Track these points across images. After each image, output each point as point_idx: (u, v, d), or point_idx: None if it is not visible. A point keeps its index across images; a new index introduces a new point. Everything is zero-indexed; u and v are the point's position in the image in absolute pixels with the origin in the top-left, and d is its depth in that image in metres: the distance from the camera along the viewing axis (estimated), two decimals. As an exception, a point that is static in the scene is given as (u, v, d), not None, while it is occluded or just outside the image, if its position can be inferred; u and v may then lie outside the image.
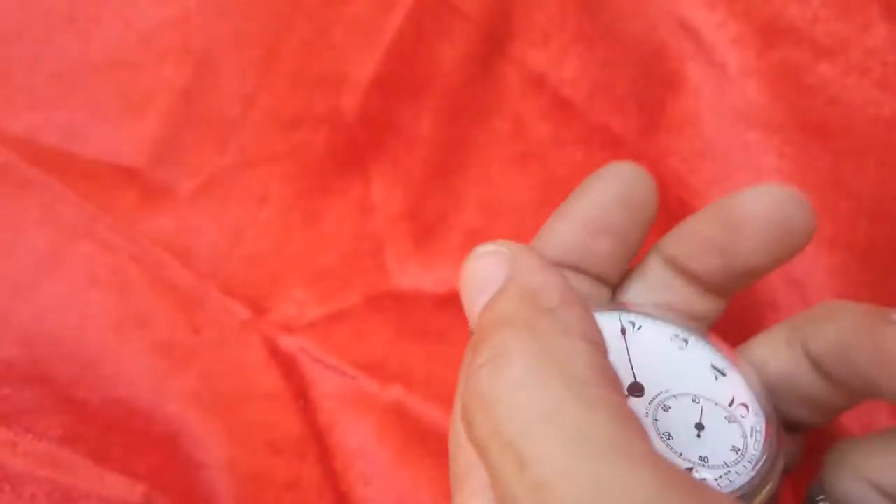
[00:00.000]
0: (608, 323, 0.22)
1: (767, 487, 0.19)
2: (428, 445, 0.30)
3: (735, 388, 0.21)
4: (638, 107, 0.31)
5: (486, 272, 0.18)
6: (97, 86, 0.33)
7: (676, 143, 0.30)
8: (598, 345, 0.17)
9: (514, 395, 0.15)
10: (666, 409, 0.20)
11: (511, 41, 0.33)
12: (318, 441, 0.31)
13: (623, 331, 0.21)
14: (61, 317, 0.31)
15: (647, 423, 0.20)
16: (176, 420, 0.30)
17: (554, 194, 0.32)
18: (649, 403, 0.20)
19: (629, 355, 0.21)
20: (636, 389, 0.20)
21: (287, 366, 0.32)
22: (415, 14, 0.33)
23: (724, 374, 0.21)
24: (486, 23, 0.33)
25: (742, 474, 0.19)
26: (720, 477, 0.19)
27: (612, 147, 0.32)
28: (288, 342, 0.32)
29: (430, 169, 0.33)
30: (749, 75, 0.29)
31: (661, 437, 0.20)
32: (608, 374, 0.16)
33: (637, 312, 0.22)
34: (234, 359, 0.32)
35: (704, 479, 0.19)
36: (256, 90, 0.33)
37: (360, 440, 0.30)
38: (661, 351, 0.21)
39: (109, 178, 0.33)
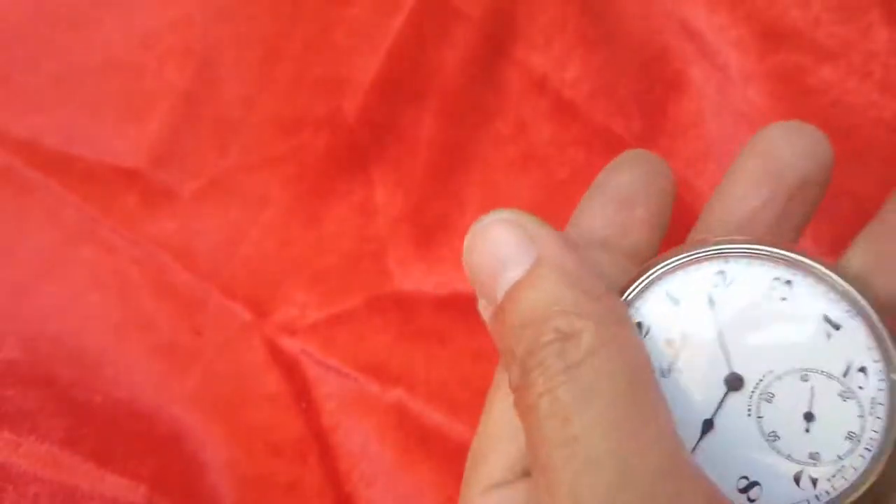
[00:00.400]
0: (693, 289, 0.19)
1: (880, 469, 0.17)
2: (429, 447, 0.30)
3: (853, 347, 0.18)
4: (640, 109, 0.32)
5: (509, 244, 0.18)
6: (98, 88, 0.33)
7: (679, 145, 0.30)
8: (638, 336, 0.18)
9: (578, 368, 0.17)
10: (769, 399, 0.18)
11: (513, 43, 0.33)
12: (320, 442, 0.31)
13: (711, 302, 0.19)
14: (63, 319, 0.31)
15: (751, 424, 0.18)
16: (178, 421, 0.30)
17: (555, 196, 0.32)
18: (750, 397, 0.18)
19: (722, 337, 0.18)
20: (735, 382, 0.18)
21: (288, 367, 0.32)
22: (416, 16, 0.33)
23: (838, 328, 0.18)
24: (487, 25, 0.33)
25: (858, 467, 0.17)
26: (833, 476, 0.17)
27: (614, 149, 0.32)
28: (289, 344, 0.32)
29: (431, 171, 0.34)
30: (751, 78, 0.29)
31: (767, 440, 0.18)
32: (650, 364, 0.18)
33: (727, 253, 0.19)
34: (236, 360, 0.32)
35: (816, 482, 0.17)
36: (257, 92, 0.33)
37: (361, 441, 0.30)
38: (760, 313, 0.18)
39: (111, 181, 0.33)
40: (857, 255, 0.20)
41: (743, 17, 0.29)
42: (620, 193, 0.21)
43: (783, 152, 0.20)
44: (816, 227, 0.28)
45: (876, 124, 0.28)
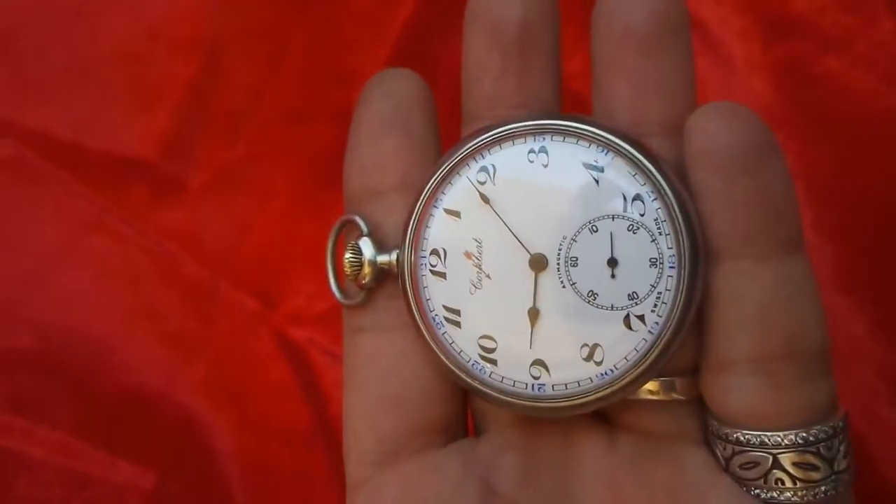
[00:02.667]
0: (465, 196, 0.19)
1: (698, 290, 0.18)
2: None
3: (620, 181, 0.18)
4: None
5: None
6: (107, 80, 0.33)
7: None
8: None
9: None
10: (575, 263, 0.18)
11: (518, 34, 0.33)
12: (327, 431, 0.31)
13: (485, 199, 0.19)
14: (74, 308, 0.32)
15: (568, 294, 0.18)
16: (187, 409, 0.31)
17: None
18: (558, 270, 0.18)
19: (510, 227, 0.19)
20: (540, 262, 0.18)
21: (296, 356, 0.32)
22: (422, 8, 0.33)
23: (601, 170, 0.18)
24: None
25: (671, 287, 0.18)
26: (655, 306, 0.18)
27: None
28: (297, 333, 0.32)
29: (437, 162, 0.34)
30: (755, 69, 0.29)
31: (588, 301, 0.18)
32: None
33: (482, 145, 0.19)
34: (244, 350, 0.32)
35: (644, 318, 0.18)
36: (265, 84, 0.34)
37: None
38: (531, 190, 0.19)
39: (120, 172, 0.33)
40: (597, 101, 0.20)
41: (747, 7, 0.29)
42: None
43: None
44: (819, 215, 0.28)
45: (880, 114, 0.28)
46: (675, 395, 0.19)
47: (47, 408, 0.30)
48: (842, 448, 0.18)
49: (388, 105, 0.20)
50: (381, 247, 0.20)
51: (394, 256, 0.19)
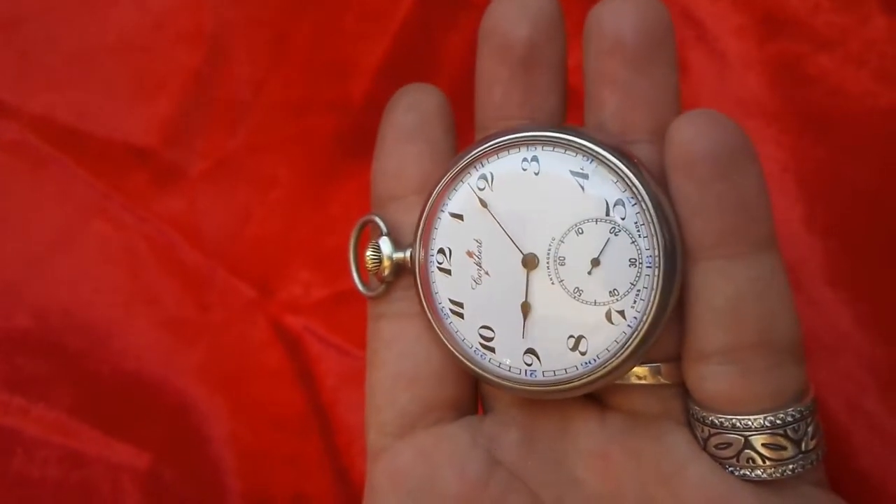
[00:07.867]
0: (466, 201, 0.21)
1: (675, 291, 0.19)
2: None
3: (603, 187, 0.19)
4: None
5: None
6: (112, 68, 0.34)
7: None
8: None
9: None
10: (562, 262, 0.20)
11: (517, 30, 0.33)
12: (321, 418, 0.31)
13: (484, 204, 0.20)
14: (74, 291, 0.32)
15: (556, 290, 0.20)
16: (183, 394, 0.31)
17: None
18: (548, 268, 0.20)
19: (505, 229, 0.20)
20: (531, 261, 0.20)
21: (291, 344, 0.32)
22: (422, 2, 0.33)
23: (586, 177, 0.20)
24: (492, 12, 0.33)
25: (648, 286, 0.19)
26: (634, 302, 0.19)
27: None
28: (293, 321, 0.32)
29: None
30: (749, 65, 0.29)
31: (574, 296, 0.20)
32: None
33: (480, 156, 0.21)
34: (241, 337, 0.32)
35: (624, 313, 0.19)
36: (267, 75, 0.34)
37: (361, 417, 0.31)
38: (525, 195, 0.20)
39: (122, 159, 0.33)
40: (588, 110, 0.21)
41: (743, 4, 0.30)
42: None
43: None
44: (810, 210, 0.29)
45: (871, 112, 0.29)
46: (660, 380, 0.20)
47: (45, 387, 0.30)
48: (809, 430, 0.19)
49: (410, 117, 0.22)
50: (398, 244, 0.21)
51: (408, 253, 0.21)
